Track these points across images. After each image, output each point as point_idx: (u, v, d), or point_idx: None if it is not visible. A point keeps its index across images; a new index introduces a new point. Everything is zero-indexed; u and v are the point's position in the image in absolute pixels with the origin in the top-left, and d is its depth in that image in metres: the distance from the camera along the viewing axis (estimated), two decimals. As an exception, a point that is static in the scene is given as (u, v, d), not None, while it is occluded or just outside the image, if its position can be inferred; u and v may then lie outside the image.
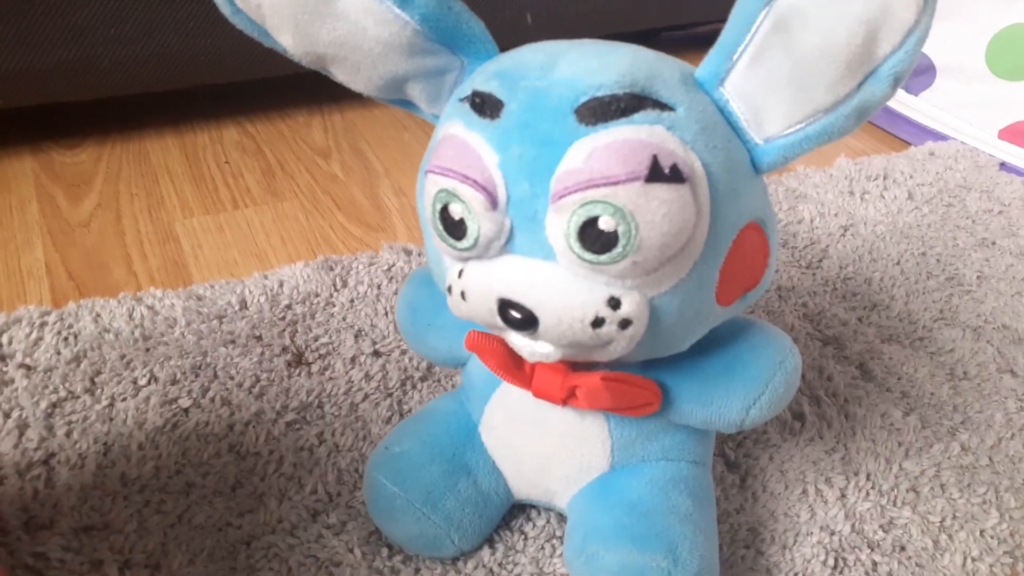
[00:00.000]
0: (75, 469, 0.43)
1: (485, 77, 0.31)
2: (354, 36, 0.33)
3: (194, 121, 0.85)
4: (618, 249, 0.29)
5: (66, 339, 0.52)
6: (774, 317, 0.58)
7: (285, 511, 0.42)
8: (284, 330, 0.54)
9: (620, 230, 0.28)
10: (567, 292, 0.30)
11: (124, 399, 0.48)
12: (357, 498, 0.43)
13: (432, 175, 0.31)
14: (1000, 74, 0.80)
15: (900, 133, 0.89)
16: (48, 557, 0.39)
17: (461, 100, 0.32)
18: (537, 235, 0.30)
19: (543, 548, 0.42)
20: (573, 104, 0.29)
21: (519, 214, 0.30)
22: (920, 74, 0.86)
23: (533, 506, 0.43)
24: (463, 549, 0.40)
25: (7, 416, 0.46)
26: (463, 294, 0.32)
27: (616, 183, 0.28)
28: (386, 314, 0.56)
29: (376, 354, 0.53)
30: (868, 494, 0.45)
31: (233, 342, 0.53)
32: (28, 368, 0.49)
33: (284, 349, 0.52)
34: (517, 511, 0.43)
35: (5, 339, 0.51)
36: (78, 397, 0.48)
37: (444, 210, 0.31)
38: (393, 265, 0.60)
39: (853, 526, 0.43)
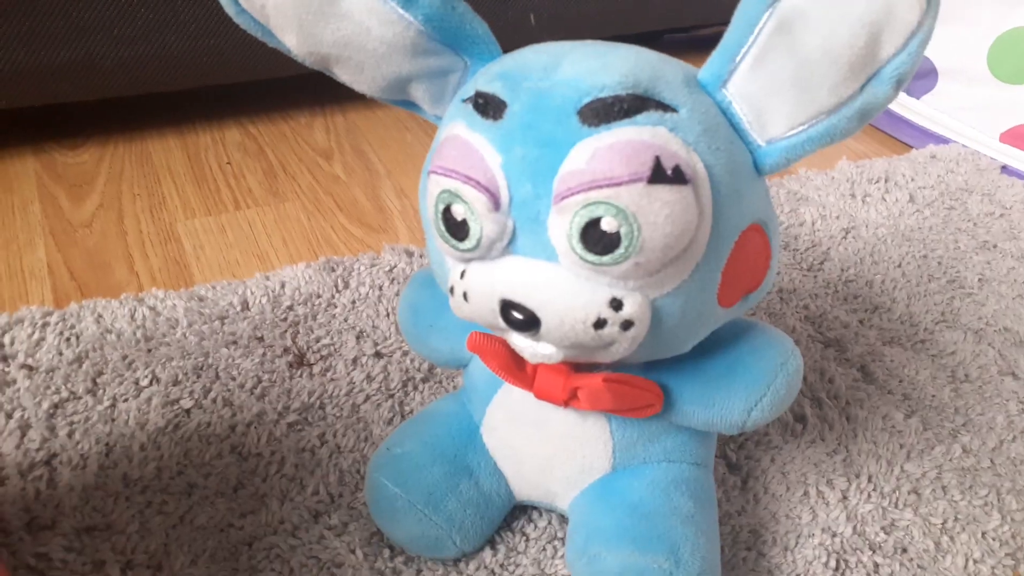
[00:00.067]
0: (77, 470, 0.43)
1: (488, 78, 0.31)
2: (358, 36, 0.33)
3: (196, 122, 0.85)
4: (620, 250, 0.29)
5: (68, 340, 0.52)
6: (776, 319, 0.58)
7: (287, 512, 0.42)
8: (286, 331, 0.54)
9: (622, 231, 0.28)
10: (569, 293, 0.30)
11: (126, 400, 0.48)
12: (359, 499, 0.43)
13: (435, 176, 0.31)
14: (1002, 77, 0.80)
15: (902, 136, 0.89)
16: (50, 557, 0.39)
17: (464, 101, 0.32)
18: (539, 236, 0.30)
19: (545, 549, 0.42)
20: (576, 105, 0.29)
21: (521, 215, 0.30)
22: (922, 77, 0.87)
23: (535, 507, 0.43)
24: (465, 550, 0.40)
25: (9, 416, 0.46)
26: (465, 295, 0.32)
27: (619, 184, 0.28)
28: (388, 315, 0.56)
29: (378, 355, 0.53)
30: (870, 496, 0.45)
31: (235, 343, 0.53)
32: (30, 368, 0.49)
33: (286, 350, 0.52)
34: (518, 512, 0.43)
35: (7, 339, 0.51)
36: (80, 398, 0.48)
37: (447, 211, 0.31)
38: (395, 266, 0.61)
39: (855, 528, 0.43)
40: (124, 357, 0.51)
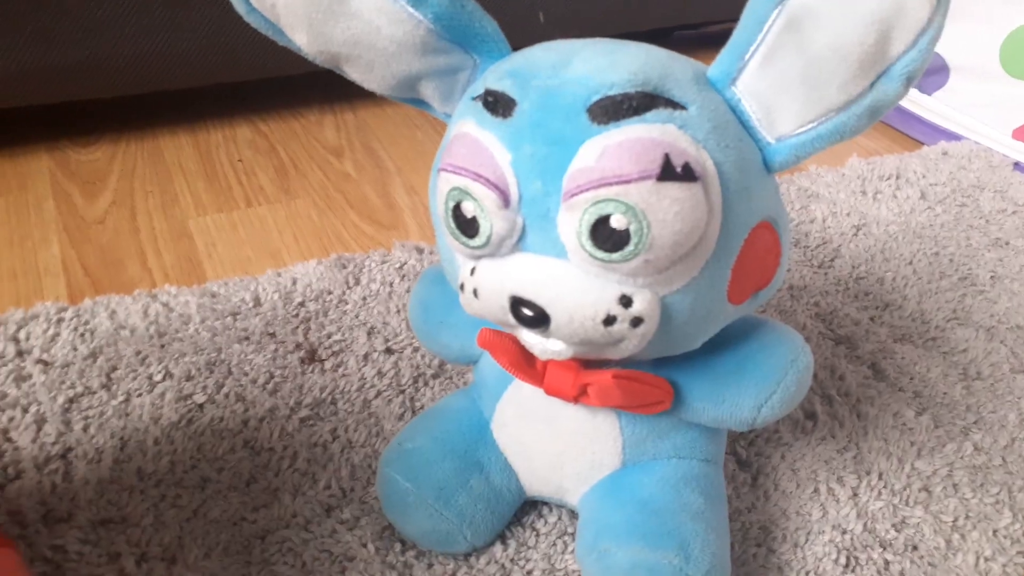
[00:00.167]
0: (92, 463, 0.44)
1: (498, 76, 0.31)
2: (368, 35, 0.33)
3: (208, 119, 0.86)
4: (630, 247, 0.29)
5: (83, 335, 0.52)
6: (786, 316, 0.58)
7: (299, 506, 0.43)
8: (297, 327, 0.54)
9: (632, 228, 0.28)
10: (579, 290, 0.30)
11: (140, 395, 0.48)
12: (370, 494, 0.44)
13: (445, 173, 0.32)
14: (1014, 74, 0.80)
15: (913, 133, 0.88)
16: (66, 550, 0.40)
17: (474, 99, 0.32)
18: (549, 233, 0.30)
19: (555, 545, 0.42)
20: (585, 103, 0.29)
21: (531, 212, 0.30)
22: (934, 74, 0.86)
23: (545, 503, 0.44)
24: (475, 545, 0.40)
25: (25, 411, 0.47)
26: (475, 292, 0.32)
27: (628, 182, 0.28)
28: (398, 312, 0.56)
29: (389, 351, 0.53)
30: (880, 493, 0.45)
31: (247, 339, 0.53)
32: (45, 364, 0.50)
33: (298, 346, 0.53)
34: (529, 508, 0.43)
35: (23, 335, 0.52)
36: (95, 392, 0.48)
37: (457, 208, 0.31)
38: (405, 263, 0.61)
39: (865, 525, 0.43)
40: (138, 353, 0.51)
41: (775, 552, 0.42)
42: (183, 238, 0.66)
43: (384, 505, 0.41)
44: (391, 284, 0.59)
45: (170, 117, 0.86)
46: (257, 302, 0.56)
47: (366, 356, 0.52)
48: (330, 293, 0.57)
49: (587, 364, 0.36)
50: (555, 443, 0.39)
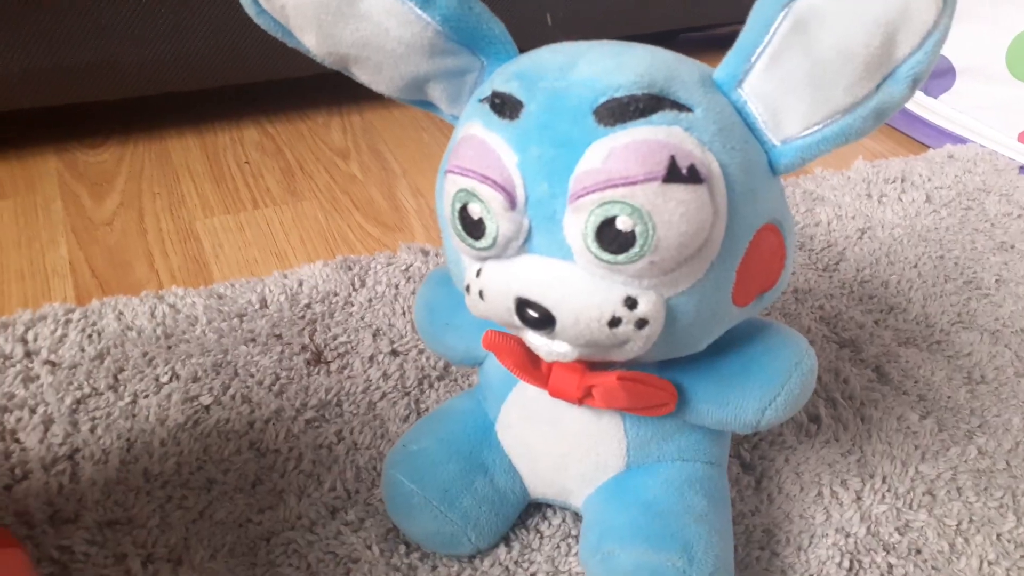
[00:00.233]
0: (99, 464, 0.44)
1: (505, 78, 0.32)
2: (376, 37, 0.33)
3: (215, 121, 0.86)
4: (635, 249, 0.29)
5: (90, 336, 0.52)
6: (791, 319, 0.58)
7: (304, 508, 0.43)
8: (303, 329, 0.54)
9: (637, 230, 0.29)
10: (584, 292, 0.30)
11: (147, 396, 0.49)
12: (375, 495, 0.44)
13: (451, 175, 0.32)
14: (1020, 77, 0.80)
15: (918, 136, 0.88)
16: (73, 550, 0.40)
17: (481, 101, 0.32)
18: (555, 235, 0.30)
19: (559, 547, 0.42)
20: (592, 105, 0.29)
21: (537, 214, 0.30)
22: (939, 76, 0.86)
23: (549, 505, 0.44)
24: (480, 547, 0.40)
25: (33, 412, 0.47)
26: (481, 293, 0.33)
27: (634, 183, 0.28)
28: (404, 313, 0.56)
29: (394, 353, 0.53)
30: (884, 497, 0.45)
31: (253, 340, 0.53)
32: (53, 365, 0.50)
33: (303, 348, 0.53)
34: (533, 510, 0.43)
35: (31, 336, 0.52)
36: (102, 394, 0.48)
37: (463, 210, 0.32)
38: (411, 265, 0.61)
39: (868, 528, 0.43)
40: (145, 354, 0.51)
41: (778, 555, 0.42)
42: (190, 239, 0.66)
43: (389, 507, 0.41)
44: (397, 286, 0.59)
45: (177, 119, 0.86)
46: (263, 304, 0.56)
47: (371, 358, 0.52)
48: (336, 295, 0.58)
49: (592, 366, 0.36)
50: (559, 445, 0.39)
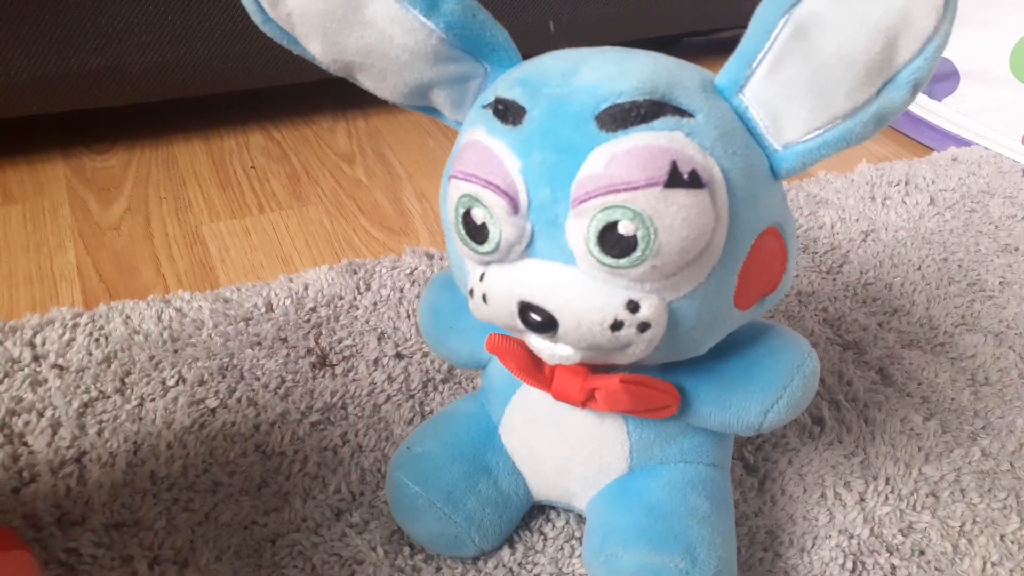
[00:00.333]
0: (106, 467, 0.45)
1: (508, 84, 0.32)
2: (381, 44, 0.34)
3: (221, 126, 0.87)
4: (637, 253, 0.29)
5: (97, 340, 0.53)
6: (794, 322, 0.58)
7: (309, 510, 0.43)
8: (309, 332, 0.55)
9: (639, 235, 0.29)
10: (586, 295, 0.31)
11: (153, 399, 0.49)
12: (380, 497, 0.44)
13: (455, 180, 0.32)
14: (1024, 79, 0.80)
15: (923, 138, 0.88)
16: (80, 552, 0.40)
17: (484, 107, 0.32)
18: (557, 239, 0.31)
19: (562, 548, 0.42)
20: (594, 110, 0.30)
21: (540, 219, 0.31)
22: (943, 79, 0.86)
23: (552, 507, 0.44)
24: (483, 549, 0.41)
25: (41, 415, 0.47)
26: (484, 297, 0.33)
27: (635, 188, 0.28)
28: (408, 317, 0.57)
29: (398, 356, 0.53)
30: (887, 498, 0.45)
31: (259, 344, 0.54)
32: (61, 368, 0.51)
33: (309, 351, 0.53)
34: (536, 512, 0.44)
35: (39, 340, 0.52)
36: (109, 397, 0.49)
37: (467, 215, 0.32)
38: (415, 269, 0.61)
39: (872, 530, 0.43)
40: (151, 357, 0.52)
41: (782, 557, 0.42)
42: (196, 244, 0.67)
43: (393, 509, 0.41)
44: (401, 290, 0.59)
45: (184, 124, 0.87)
46: (269, 307, 0.57)
47: (376, 361, 0.53)
48: (341, 298, 0.58)
49: (595, 369, 0.36)
50: (563, 447, 0.39)
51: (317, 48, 0.35)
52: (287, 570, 0.40)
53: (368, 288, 0.59)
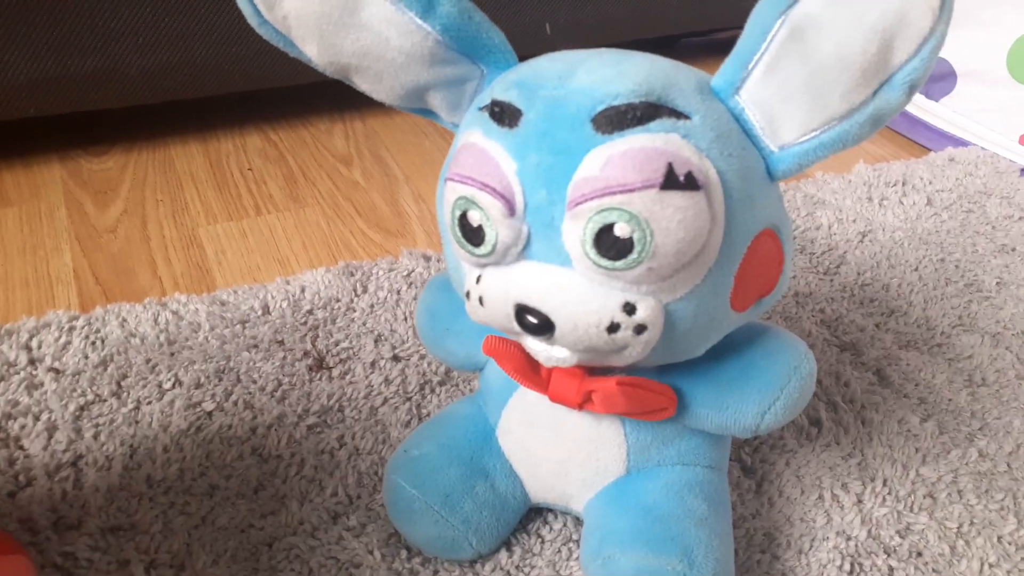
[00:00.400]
0: (102, 471, 0.44)
1: (504, 86, 0.32)
2: (377, 46, 0.34)
3: (218, 129, 0.87)
4: (633, 255, 0.29)
5: (93, 343, 0.53)
6: (791, 323, 0.58)
7: (306, 513, 0.43)
8: (306, 335, 0.55)
9: (635, 237, 0.29)
10: (583, 298, 0.31)
11: (149, 402, 0.49)
12: (377, 500, 0.44)
13: (451, 183, 0.32)
14: (1021, 80, 0.80)
15: (920, 139, 0.88)
16: (76, 556, 0.40)
17: (480, 109, 0.32)
18: (554, 241, 0.31)
19: (560, 551, 0.42)
20: (590, 113, 0.30)
21: (536, 221, 0.31)
22: (940, 80, 0.86)
23: (550, 509, 0.44)
24: (481, 551, 0.41)
25: (37, 419, 0.47)
26: (481, 299, 0.33)
27: (631, 190, 0.28)
28: (405, 319, 0.57)
29: (395, 359, 0.53)
30: (885, 500, 0.45)
31: (256, 347, 0.53)
32: (57, 372, 0.50)
33: (306, 354, 0.53)
34: (534, 514, 0.44)
35: (35, 343, 0.52)
36: (105, 400, 0.49)
37: (463, 217, 0.32)
38: (412, 271, 0.61)
39: (869, 531, 0.43)
40: (148, 360, 0.52)
41: (779, 559, 0.42)
42: (193, 246, 0.67)
43: (390, 512, 0.41)
44: (398, 292, 0.59)
45: (181, 126, 0.86)
46: (266, 310, 0.57)
47: (373, 363, 0.53)
48: (338, 301, 0.58)
49: (591, 371, 0.36)
50: (560, 450, 0.39)
51: (313, 51, 0.35)
52: (284, 573, 0.40)
53: (365, 290, 0.59)
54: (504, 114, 0.31)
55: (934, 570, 0.42)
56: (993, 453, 0.48)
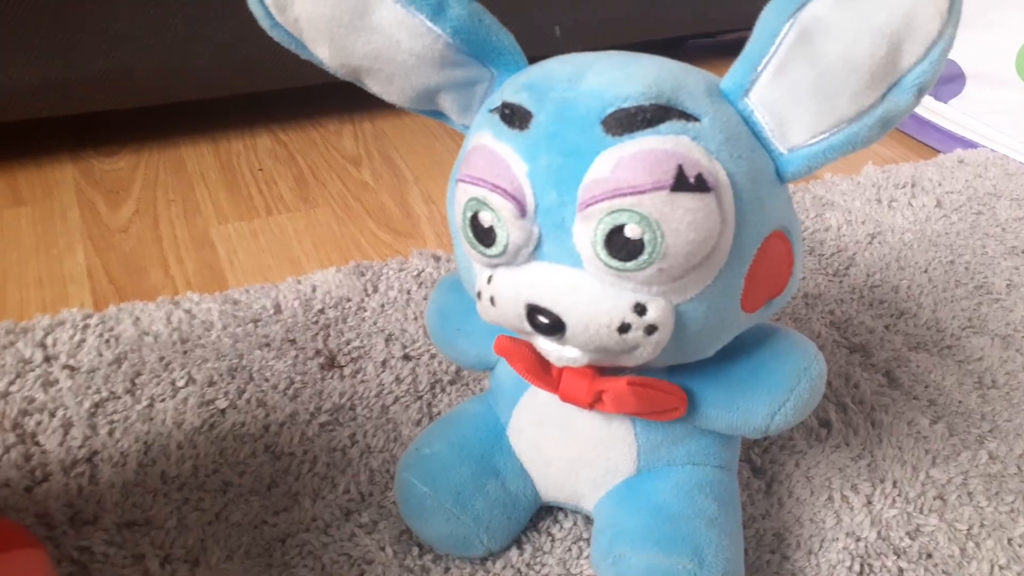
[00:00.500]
0: (117, 467, 0.45)
1: (514, 88, 0.32)
2: (388, 49, 0.34)
3: (229, 129, 0.87)
4: (644, 256, 0.29)
5: (108, 341, 0.53)
6: (801, 324, 0.58)
7: (319, 510, 0.43)
8: (317, 334, 0.55)
9: (646, 238, 0.29)
10: (594, 298, 0.31)
11: (163, 400, 0.49)
12: (388, 498, 0.44)
13: (463, 184, 0.32)
14: (1031, 81, 0.80)
15: (929, 140, 0.88)
16: (92, 551, 0.40)
17: (491, 111, 0.32)
18: (564, 242, 0.31)
19: (570, 550, 0.42)
20: (600, 115, 0.30)
21: (547, 222, 0.31)
22: (949, 81, 0.86)
23: (560, 508, 0.44)
24: (492, 549, 0.41)
25: (53, 415, 0.48)
26: (492, 300, 0.33)
27: (642, 192, 0.29)
28: (416, 319, 0.57)
29: (406, 358, 0.54)
30: (894, 501, 0.45)
31: (268, 345, 0.54)
32: (72, 369, 0.51)
33: (317, 352, 0.54)
34: (544, 513, 0.44)
35: (50, 341, 0.53)
36: (119, 397, 0.49)
37: (474, 218, 0.32)
38: (422, 271, 0.62)
39: (879, 533, 0.43)
40: (161, 358, 0.52)
41: (789, 559, 0.42)
42: (205, 246, 0.67)
43: (402, 509, 0.41)
44: (409, 292, 0.59)
45: (192, 127, 0.87)
46: (278, 309, 0.57)
47: (384, 363, 0.53)
48: (349, 300, 0.58)
49: (602, 371, 0.36)
50: (570, 449, 0.40)
51: (325, 53, 0.35)
52: (297, 569, 0.41)
53: (376, 290, 0.59)
54: (515, 116, 0.31)
55: (944, 572, 0.42)
56: (1003, 455, 0.48)
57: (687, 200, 0.29)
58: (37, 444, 0.46)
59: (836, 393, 0.52)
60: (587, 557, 0.42)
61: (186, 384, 0.50)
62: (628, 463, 0.39)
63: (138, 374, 0.51)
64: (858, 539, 0.43)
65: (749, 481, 0.46)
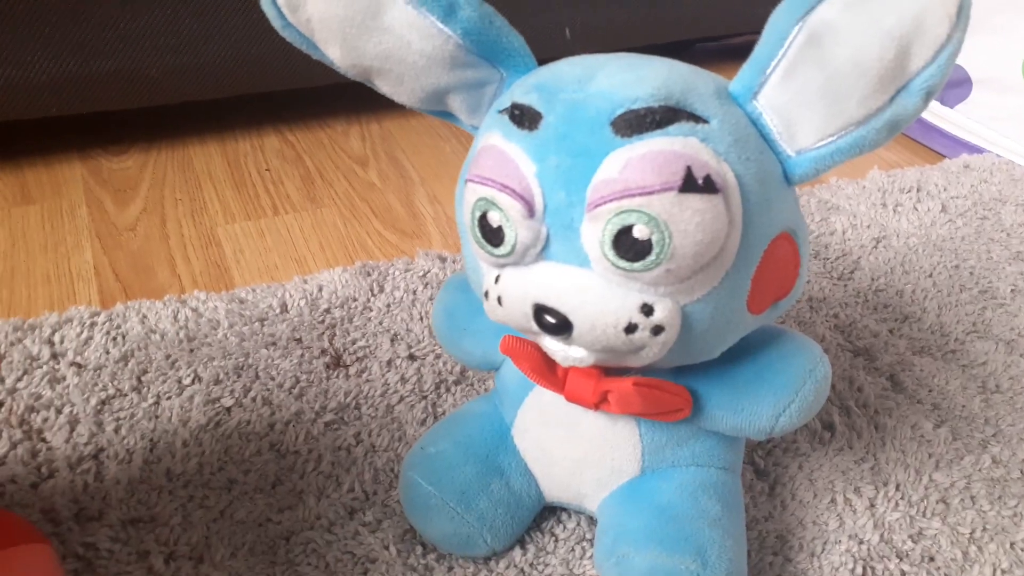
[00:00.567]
0: (123, 464, 0.45)
1: (524, 90, 0.32)
2: (399, 49, 0.34)
3: (236, 129, 0.87)
4: (652, 257, 0.29)
5: (114, 339, 0.53)
6: (805, 328, 0.58)
7: (323, 508, 0.43)
8: (323, 333, 0.55)
9: (654, 239, 0.29)
10: (601, 298, 0.31)
11: (169, 397, 0.49)
12: (393, 497, 0.45)
13: (471, 184, 0.32)
14: (1037, 87, 0.80)
15: (934, 145, 0.88)
16: (97, 547, 0.41)
17: (500, 112, 0.33)
18: (573, 243, 0.31)
19: (573, 550, 0.42)
20: (609, 116, 0.30)
21: (555, 222, 0.31)
22: (956, 86, 0.86)
23: (564, 509, 0.44)
24: (495, 549, 0.41)
25: (59, 412, 0.48)
26: (499, 299, 0.33)
27: (650, 193, 0.29)
28: (421, 319, 0.57)
29: (411, 357, 0.54)
30: (897, 504, 0.45)
31: (274, 344, 0.54)
32: (79, 366, 0.51)
33: (323, 351, 0.54)
34: (548, 513, 0.44)
35: (57, 338, 0.53)
36: (126, 395, 0.49)
37: (483, 218, 0.32)
38: (428, 271, 0.62)
39: (882, 536, 0.43)
40: (168, 356, 0.52)
41: (792, 561, 0.42)
42: (212, 245, 0.68)
43: (406, 508, 0.41)
44: (414, 292, 0.60)
45: (199, 127, 0.87)
46: (284, 308, 0.57)
47: (389, 362, 0.53)
48: (355, 300, 0.58)
49: (608, 371, 0.36)
50: (575, 449, 0.40)
51: (336, 53, 0.35)
52: (301, 567, 0.41)
53: (381, 290, 0.60)
54: (524, 117, 0.31)
55: (946, 575, 0.42)
56: (1006, 459, 0.48)
57: (695, 201, 0.29)
58: (43, 440, 0.46)
59: (840, 396, 0.52)
60: (590, 557, 0.42)
61: (192, 382, 0.51)
62: (632, 464, 0.40)
63: (144, 372, 0.51)
64: (861, 542, 0.43)
65: (752, 483, 0.46)
